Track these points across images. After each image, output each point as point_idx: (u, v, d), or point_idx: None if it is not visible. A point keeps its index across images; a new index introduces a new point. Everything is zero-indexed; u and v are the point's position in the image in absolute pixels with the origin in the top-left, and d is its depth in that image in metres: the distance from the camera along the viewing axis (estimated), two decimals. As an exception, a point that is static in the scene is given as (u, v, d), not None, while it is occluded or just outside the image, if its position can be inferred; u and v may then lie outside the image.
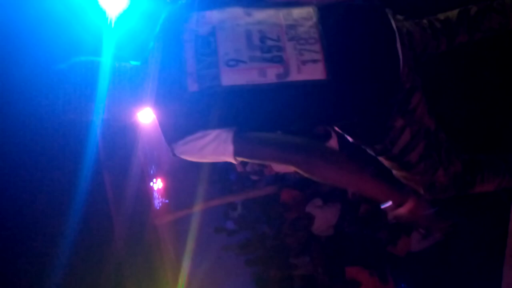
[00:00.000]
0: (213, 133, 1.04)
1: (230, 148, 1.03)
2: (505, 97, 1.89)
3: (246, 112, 1.05)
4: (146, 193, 5.06)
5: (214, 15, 1.09)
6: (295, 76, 1.02)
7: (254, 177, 4.29)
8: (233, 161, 1.09)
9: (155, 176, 5.17)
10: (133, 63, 1.17)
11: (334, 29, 1.05)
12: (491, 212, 2.13)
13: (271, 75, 1.02)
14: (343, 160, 1.06)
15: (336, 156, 1.06)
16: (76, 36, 3.32)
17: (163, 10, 1.19)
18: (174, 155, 1.10)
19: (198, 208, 4.36)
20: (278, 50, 1.03)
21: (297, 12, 1.09)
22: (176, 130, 1.06)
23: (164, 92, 1.06)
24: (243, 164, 4.24)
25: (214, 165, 4.51)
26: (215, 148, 1.04)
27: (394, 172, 1.28)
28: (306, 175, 1.06)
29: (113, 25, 3.32)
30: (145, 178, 5.01)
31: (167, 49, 1.09)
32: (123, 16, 3.32)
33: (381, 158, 1.25)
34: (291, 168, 1.11)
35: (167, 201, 5.25)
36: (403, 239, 3.07)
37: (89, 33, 3.34)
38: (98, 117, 1.15)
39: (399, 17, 1.20)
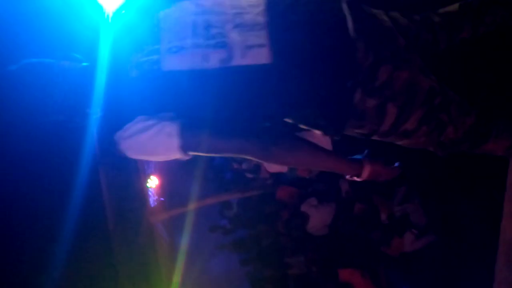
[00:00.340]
0: (155, 125, 1.03)
1: (175, 142, 1.03)
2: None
3: (188, 97, 1.04)
4: (141, 191, 5.04)
5: (163, 12, 1.12)
6: (238, 60, 1.02)
7: (249, 175, 4.28)
8: (184, 157, 1.07)
9: (151, 174, 5.15)
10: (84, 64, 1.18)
11: (282, 15, 1.04)
12: (483, 210, 2.13)
13: (214, 60, 1.03)
14: (294, 143, 1.08)
15: (288, 140, 1.07)
16: (72, 31, 3.30)
17: (160, 4, 1.20)
18: (119, 151, 1.08)
19: (193, 206, 4.35)
20: (222, 36, 1.05)
21: (246, 0, 1.09)
22: (117, 119, 1.07)
23: (108, 84, 1.09)
24: (239, 161, 4.23)
25: (209, 163, 4.49)
26: (160, 142, 1.04)
27: (397, 142, 1.25)
28: (263, 161, 1.08)
29: (110, 19, 3.32)
30: (141, 176, 5.00)
31: (113, 44, 1.15)
32: (120, 10, 3.32)
33: (374, 138, 1.24)
34: (284, 168, 1.13)
35: (162, 199, 5.24)
36: (396, 239, 3.07)
37: (86, 28, 3.34)
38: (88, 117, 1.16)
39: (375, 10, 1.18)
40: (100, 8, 3.29)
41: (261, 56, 1.03)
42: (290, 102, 1.08)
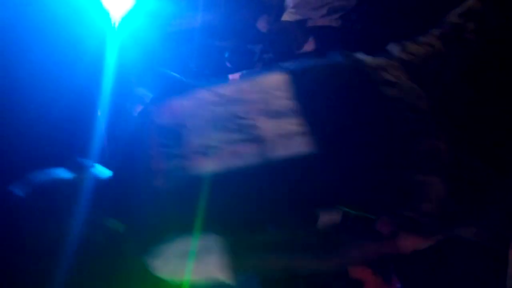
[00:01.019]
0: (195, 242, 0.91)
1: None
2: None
3: (232, 204, 0.88)
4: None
5: (179, 103, 0.96)
6: (275, 152, 0.88)
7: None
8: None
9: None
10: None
11: (313, 97, 0.89)
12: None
13: (248, 155, 0.89)
14: None
15: None
16: (78, 38, 3.35)
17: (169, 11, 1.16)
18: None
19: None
20: (252, 127, 0.91)
21: (267, 82, 0.96)
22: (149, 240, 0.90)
23: (133, 198, 0.91)
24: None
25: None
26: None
27: None
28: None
29: (117, 26, 3.35)
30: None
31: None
32: (128, 17, 3.34)
33: None
34: None
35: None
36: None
37: (92, 35, 3.37)
38: None
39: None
40: (106, 15, 3.33)
41: (301, 145, 0.90)
42: (343, 192, 0.91)
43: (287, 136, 0.85)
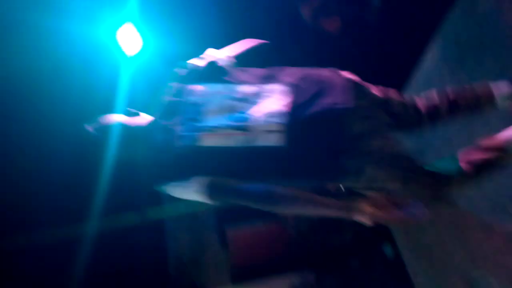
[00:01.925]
0: (189, 186, 1.29)
1: (205, 191, 1.27)
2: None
3: (218, 167, 1.29)
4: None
5: (205, 89, 1.37)
6: (260, 142, 1.25)
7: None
8: (209, 202, 1.34)
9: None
10: None
11: (297, 111, 1.26)
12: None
13: (242, 140, 1.26)
14: (294, 194, 1.24)
15: (290, 193, 1.24)
16: (96, 71, 3.84)
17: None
18: (156, 188, 1.38)
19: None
20: (249, 120, 1.27)
21: (269, 89, 1.31)
22: (164, 175, 1.32)
23: (160, 147, 1.37)
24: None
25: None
26: (194, 191, 1.30)
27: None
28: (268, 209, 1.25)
29: (130, 61, 3.99)
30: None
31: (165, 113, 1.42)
32: (139, 54, 4.00)
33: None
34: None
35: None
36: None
37: (109, 68, 3.95)
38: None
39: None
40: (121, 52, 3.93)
41: (278, 140, 1.24)
42: (296, 175, 1.30)
43: (271, 132, 1.26)
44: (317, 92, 1.30)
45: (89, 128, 1.43)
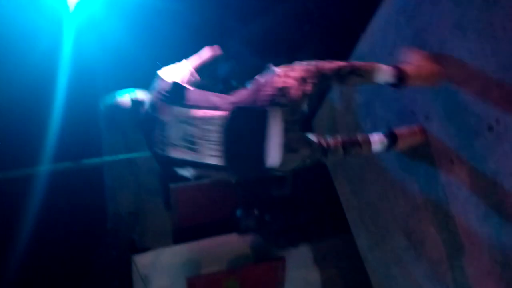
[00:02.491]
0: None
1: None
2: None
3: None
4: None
5: (171, 110, 1.84)
6: (206, 161, 1.78)
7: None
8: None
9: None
10: None
11: (228, 139, 1.76)
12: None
13: (193, 158, 1.80)
14: None
15: None
16: (32, 22, 3.59)
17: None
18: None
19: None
20: (198, 145, 1.78)
21: (213, 116, 1.77)
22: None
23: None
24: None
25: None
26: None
27: None
28: None
29: (72, 10, 3.66)
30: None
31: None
32: (84, 2, 3.68)
33: None
34: None
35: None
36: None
37: (47, 19, 3.65)
38: None
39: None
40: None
41: (218, 161, 1.77)
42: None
43: (212, 156, 1.80)
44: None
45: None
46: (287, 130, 1.74)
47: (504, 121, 1.63)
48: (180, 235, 4.05)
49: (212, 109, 1.76)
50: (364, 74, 1.86)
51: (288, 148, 1.76)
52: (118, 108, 1.97)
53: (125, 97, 2.00)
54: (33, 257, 3.62)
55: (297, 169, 1.91)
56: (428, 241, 2.24)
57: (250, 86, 1.84)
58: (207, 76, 2.04)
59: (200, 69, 2.01)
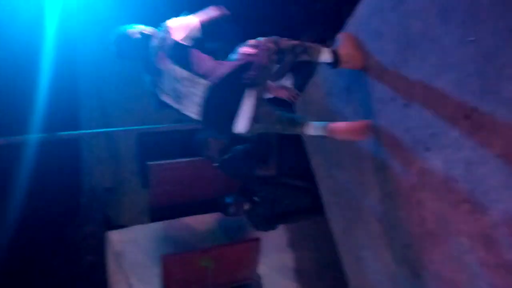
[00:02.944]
0: None
1: None
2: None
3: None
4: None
5: (168, 64, 2.12)
6: (187, 113, 2.14)
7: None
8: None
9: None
10: None
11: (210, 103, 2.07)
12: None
13: (179, 105, 2.16)
14: None
15: None
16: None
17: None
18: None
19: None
20: (183, 99, 2.11)
21: (199, 83, 2.05)
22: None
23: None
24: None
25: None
26: None
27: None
28: None
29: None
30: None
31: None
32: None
33: None
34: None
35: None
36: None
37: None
38: None
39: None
40: None
41: (196, 117, 2.11)
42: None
43: (192, 111, 2.16)
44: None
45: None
46: (257, 105, 2.03)
47: (482, 110, 1.67)
48: (157, 214, 4.03)
49: (200, 77, 2.03)
50: (312, 53, 2.16)
51: (255, 119, 2.06)
52: (128, 38, 2.22)
53: (135, 30, 2.26)
54: (4, 230, 3.56)
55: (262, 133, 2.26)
56: (399, 225, 2.30)
57: (233, 57, 2.09)
58: (210, 35, 2.19)
59: (206, 26, 2.17)
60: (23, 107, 3.47)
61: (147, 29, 2.24)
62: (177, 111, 2.14)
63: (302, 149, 3.18)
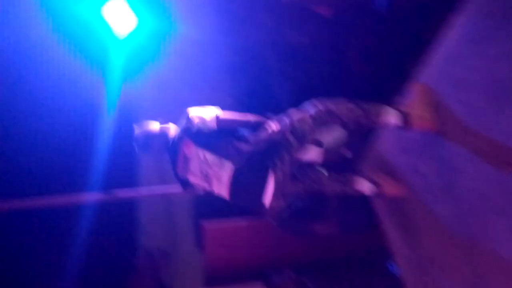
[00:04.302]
0: None
1: None
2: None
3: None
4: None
5: (194, 148, 2.15)
6: (214, 190, 2.12)
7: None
8: None
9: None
10: None
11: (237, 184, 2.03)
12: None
13: (205, 185, 2.15)
14: None
15: None
16: (87, 52, 3.70)
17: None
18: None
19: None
20: (209, 178, 2.09)
21: (225, 165, 2.03)
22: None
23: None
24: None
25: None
26: None
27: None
28: None
29: (122, 42, 3.75)
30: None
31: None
32: (131, 35, 3.76)
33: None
34: None
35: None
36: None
37: (99, 49, 3.75)
38: None
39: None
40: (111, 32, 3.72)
41: (225, 195, 2.09)
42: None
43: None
44: None
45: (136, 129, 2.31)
46: (283, 181, 1.98)
47: None
48: (212, 279, 3.74)
49: (226, 158, 2.03)
50: (375, 117, 1.98)
51: (283, 195, 2.03)
52: (148, 132, 2.30)
53: (155, 124, 2.35)
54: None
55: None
56: None
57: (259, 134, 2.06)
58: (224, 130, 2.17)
59: (225, 123, 2.16)
60: (82, 164, 3.51)
61: (165, 123, 2.34)
62: (205, 191, 2.17)
63: (367, 202, 2.83)
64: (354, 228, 3.26)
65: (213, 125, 2.11)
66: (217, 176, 2.04)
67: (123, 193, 3.66)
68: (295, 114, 1.99)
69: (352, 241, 3.44)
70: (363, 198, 2.84)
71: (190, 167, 2.13)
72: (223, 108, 2.17)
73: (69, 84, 3.63)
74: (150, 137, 2.30)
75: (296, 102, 2.06)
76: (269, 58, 3.45)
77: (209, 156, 2.07)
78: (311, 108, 1.98)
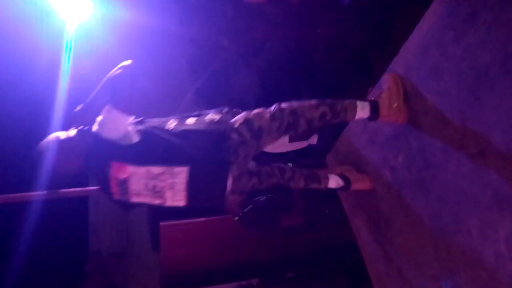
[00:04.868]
0: None
1: None
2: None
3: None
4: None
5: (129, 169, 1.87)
6: (169, 204, 1.90)
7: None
8: None
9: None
10: None
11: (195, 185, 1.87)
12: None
13: (156, 201, 1.91)
14: None
15: None
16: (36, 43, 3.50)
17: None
18: None
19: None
20: (160, 192, 1.86)
21: (171, 171, 1.83)
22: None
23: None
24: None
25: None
26: None
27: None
28: None
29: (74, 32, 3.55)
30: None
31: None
32: (84, 24, 3.57)
33: None
34: None
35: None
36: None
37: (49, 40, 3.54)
38: None
39: None
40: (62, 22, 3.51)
41: (182, 203, 1.90)
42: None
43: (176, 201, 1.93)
44: None
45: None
46: (238, 176, 1.92)
47: None
48: (169, 281, 3.57)
49: (174, 164, 1.82)
50: (345, 114, 1.89)
51: (238, 189, 1.96)
52: (66, 142, 1.84)
53: (71, 131, 1.90)
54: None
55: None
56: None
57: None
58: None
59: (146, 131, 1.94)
60: (27, 161, 3.25)
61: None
62: (152, 206, 1.93)
63: (332, 192, 2.78)
64: (318, 219, 3.21)
65: (136, 138, 1.81)
66: (169, 186, 1.84)
67: (71, 191, 3.40)
68: (254, 110, 1.87)
69: (317, 236, 3.38)
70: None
71: (130, 189, 1.85)
72: (185, 103, 2.04)
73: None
74: (70, 143, 1.84)
75: (260, 95, 1.94)
76: (232, 50, 3.33)
77: (155, 169, 1.83)
78: (273, 107, 1.86)
